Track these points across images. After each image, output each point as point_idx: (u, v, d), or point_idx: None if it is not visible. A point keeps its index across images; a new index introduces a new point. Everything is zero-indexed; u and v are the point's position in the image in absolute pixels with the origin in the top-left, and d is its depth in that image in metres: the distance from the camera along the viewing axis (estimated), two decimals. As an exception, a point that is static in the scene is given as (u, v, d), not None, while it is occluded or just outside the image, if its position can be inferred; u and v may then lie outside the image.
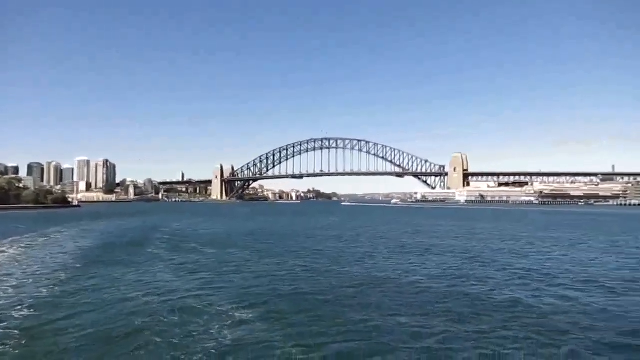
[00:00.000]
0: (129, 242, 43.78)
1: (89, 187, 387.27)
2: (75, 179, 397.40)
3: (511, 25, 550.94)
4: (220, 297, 19.36)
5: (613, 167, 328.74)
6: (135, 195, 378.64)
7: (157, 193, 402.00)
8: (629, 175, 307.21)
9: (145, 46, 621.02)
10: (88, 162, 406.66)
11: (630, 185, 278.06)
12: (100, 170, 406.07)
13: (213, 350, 12.60)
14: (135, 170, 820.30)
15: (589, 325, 14.95)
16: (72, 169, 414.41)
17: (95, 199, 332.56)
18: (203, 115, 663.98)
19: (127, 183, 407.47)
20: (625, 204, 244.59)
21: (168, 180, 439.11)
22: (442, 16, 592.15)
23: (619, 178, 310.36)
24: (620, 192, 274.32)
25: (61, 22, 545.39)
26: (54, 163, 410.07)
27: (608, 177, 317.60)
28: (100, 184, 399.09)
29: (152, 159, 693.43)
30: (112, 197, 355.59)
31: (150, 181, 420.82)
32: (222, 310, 16.97)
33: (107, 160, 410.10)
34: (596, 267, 27.79)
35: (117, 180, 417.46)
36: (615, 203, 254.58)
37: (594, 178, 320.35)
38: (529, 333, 14.09)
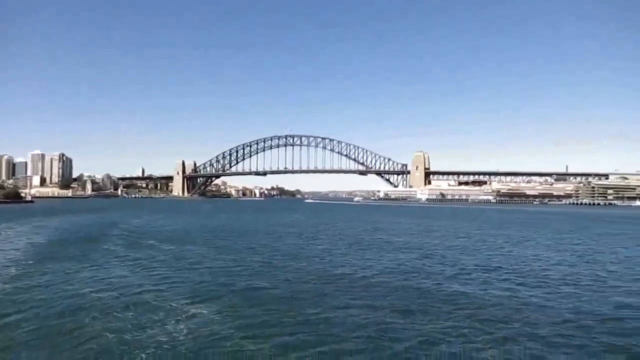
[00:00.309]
0: (84, 238, 42.86)
1: (43, 182, 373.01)
2: (29, 173, 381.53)
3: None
4: (175, 292, 19.53)
5: (566, 167, 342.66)
6: (92, 190, 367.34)
7: (116, 189, 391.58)
8: (580, 175, 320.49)
9: (103, 38, 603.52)
10: (43, 155, 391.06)
11: (581, 185, 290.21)
12: (56, 164, 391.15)
13: (166, 345, 12.78)
14: (93, 165, 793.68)
15: (524, 316, 15.96)
16: (26, 163, 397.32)
17: (50, 195, 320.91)
18: (164, 110, 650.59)
19: (84, 178, 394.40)
20: (577, 203, 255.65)
21: (127, 176, 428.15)
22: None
23: (571, 178, 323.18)
24: (573, 192, 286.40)
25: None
26: (5, 156, 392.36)
27: (561, 177, 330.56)
28: (55, 179, 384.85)
29: (111, 154, 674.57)
30: (68, 193, 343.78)
31: (108, 176, 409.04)
32: (177, 306, 17.16)
33: (63, 155, 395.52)
34: (539, 263, 29.27)
35: (74, 175, 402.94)
36: (567, 202, 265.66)
37: (548, 178, 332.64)
38: (471, 322, 15.02)
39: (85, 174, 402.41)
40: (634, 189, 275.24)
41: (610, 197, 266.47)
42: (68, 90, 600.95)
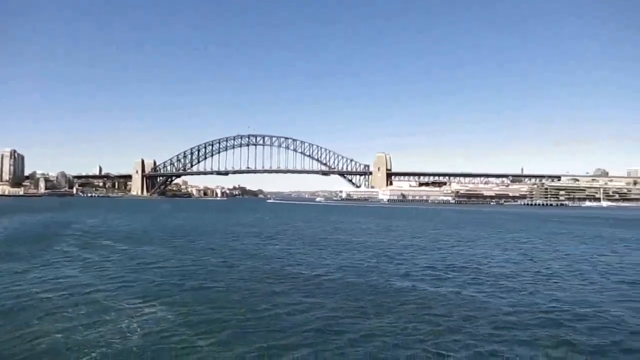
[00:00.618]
0: (35, 238, 41.59)
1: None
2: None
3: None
4: (128, 292, 19.52)
5: (522, 169, 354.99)
6: (46, 189, 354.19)
7: (71, 187, 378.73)
8: (535, 177, 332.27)
9: (61, 34, 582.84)
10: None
11: (535, 186, 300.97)
12: (7, 161, 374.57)
13: (117, 344, 12.86)
14: (47, 163, 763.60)
15: (465, 310, 16.90)
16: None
17: (0, 193, 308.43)
18: (123, 107, 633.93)
19: (38, 176, 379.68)
20: (531, 204, 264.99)
21: (84, 174, 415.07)
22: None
23: (527, 179, 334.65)
24: (527, 193, 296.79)
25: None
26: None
27: (517, 178, 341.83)
28: (6, 177, 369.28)
29: (66, 152, 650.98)
30: (20, 191, 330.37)
31: (63, 174, 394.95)
32: (130, 305, 17.20)
33: (14, 151, 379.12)
34: (487, 261, 30.58)
35: (26, 173, 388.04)
36: (522, 203, 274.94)
37: (505, 179, 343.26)
38: (414, 316, 15.81)
39: (39, 171, 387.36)
40: (584, 190, 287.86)
41: (562, 197, 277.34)
42: (19, 86, 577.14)
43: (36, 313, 15.90)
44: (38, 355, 12.11)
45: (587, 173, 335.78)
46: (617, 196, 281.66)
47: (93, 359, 11.77)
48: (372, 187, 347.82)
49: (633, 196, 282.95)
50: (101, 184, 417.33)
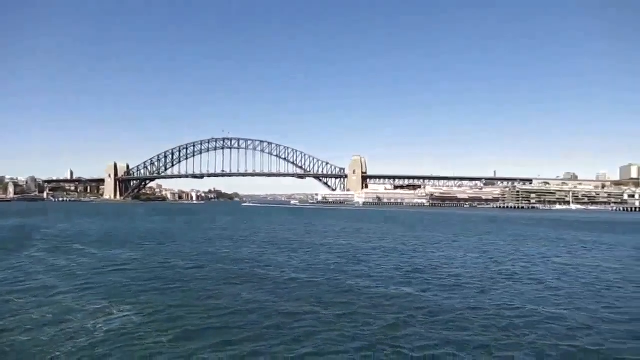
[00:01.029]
0: (1, 243, 41.29)
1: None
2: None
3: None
4: (97, 294, 19.84)
5: (494, 172, 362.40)
6: (16, 194, 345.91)
7: (42, 192, 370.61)
8: (507, 180, 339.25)
9: (30, 37, 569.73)
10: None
11: (507, 189, 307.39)
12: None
13: (84, 344, 13.27)
14: (16, 168, 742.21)
15: (419, 308, 17.96)
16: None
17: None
18: (93, 110, 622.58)
19: (7, 181, 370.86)
20: (503, 207, 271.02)
21: (54, 178, 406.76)
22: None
23: (499, 183, 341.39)
24: (500, 196, 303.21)
25: None
26: None
27: (490, 181, 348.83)
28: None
29: (35, 156, 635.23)
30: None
31: (33, 179, 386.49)
32: (97, 307, 17.57)
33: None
34: (450, 262, 31.79)
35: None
36: (495, 205, 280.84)
37: (478, 182, 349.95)
38: (366, 312, 16.71)
39: (7, 176, 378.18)
40: (554, 193, 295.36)
41: (533, 201, 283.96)
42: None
43: (2, 314, 16.22)
44: (2, 355, 12.45)
45: (558, 177, 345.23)
46: (586, 199, 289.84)
47: (58, 358, 12.14)
48: (348, 190, 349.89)
49: (601, 199, 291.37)
50: (73, 189, 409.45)
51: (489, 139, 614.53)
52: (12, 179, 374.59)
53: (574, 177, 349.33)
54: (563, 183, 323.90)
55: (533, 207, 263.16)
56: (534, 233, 62.10)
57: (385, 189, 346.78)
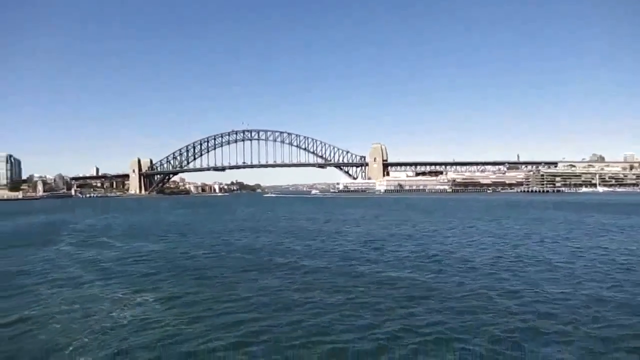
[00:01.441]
0: (33, 237, 43.07)
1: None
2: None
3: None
4: (122, 284, 20.90)
5: (518, 156, 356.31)
6: (45, 191, 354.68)
7: (69, 189, 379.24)
8: (531, 163, 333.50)
9: (55, 37, 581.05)
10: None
11: (531, 173, 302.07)
12: (3, 166, 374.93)
13: (110, 330, 14.17)
14: (44, 166, 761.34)
15: (438, 292, 18.51)
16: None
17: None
18: (116, 108, 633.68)
19: (35, 179, 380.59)
20: (527, 191, 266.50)
21: (81, 175, 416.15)
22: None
23: (523, 166, 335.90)
24: (523, 180, 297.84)
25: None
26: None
27: (514, 165, 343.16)
28: (3, 181, 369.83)
29: (62, 154, 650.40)
30: (19, 195, 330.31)
31: (61, 176, 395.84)
32: (123, 296, 18.60)
33: (10, 156, 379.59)
34: (470, 248, 32.11)
35: (24, 176, 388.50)
36: (519, 190, 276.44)
37: (501, 167, 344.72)
38: (387, 298, 17.32)
39: (36, 174, 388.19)
40: (580, 176, 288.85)
41: (558, 184, 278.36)
42: (13, 90, 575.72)
43: (34, 304, 17.41)
44: (36, 341, 13.41)
45: (584, 159, 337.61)
46: (613, 181, 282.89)
47: (86, 344, 12.97)
48: (369, 178, 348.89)
49: (629, 181, 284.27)
50: (99, 185, 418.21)
51: (512, 123, 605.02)
52: (40, 177, 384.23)
53: (601, 159, 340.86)
54: (589, 165, 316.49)
55: (558, 191, 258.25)
56: (554, 217, 61.57)
57: (407, 176, 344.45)
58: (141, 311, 16.26)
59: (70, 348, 12.68)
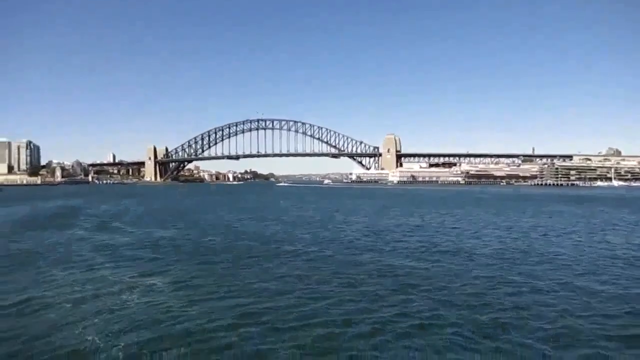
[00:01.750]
0: (51, 221, 44.48)
1: (10, 169, 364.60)
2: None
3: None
4: (132, 268, 21.77)
5: (533, 149, 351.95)
6: (63, 177, 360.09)
7: (87, 175, 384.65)
8: (546, 156, 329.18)
9: (74, 25, 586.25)
10: (9, 143, 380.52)
11: (546, 166, 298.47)
12: (23, 152, 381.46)
13: (118, 311, 14.88)
14: (62, 152, 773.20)
15: (442, 283, 18.98)
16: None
17: (19, 182, 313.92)
18: (133, 94, 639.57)
19: (54, 165, 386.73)
20: (541, 184, 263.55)
21: (98, 162, 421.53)
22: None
23: (538, 159, 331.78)
24: (538, 173, 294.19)
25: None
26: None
27: (528, 158, 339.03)
28: (23, 167, 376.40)
29: (79, 141, 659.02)
30: (38, 180, 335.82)
31: (78, 163, 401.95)
32: (132, 279, 19.37)
33: (30, 142, 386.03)
34: (475, 240, 32.56)
35: (42, 162, 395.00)
36: (532, 183, 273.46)
37: (515, 159, 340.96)
38: (387, 287, 17.90)
39: (54, 160, 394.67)
40: (595, 170, 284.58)
41: (573, 177, 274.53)
42: (33, 76, 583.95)
43: (47, 284, 18.39)
44: (48, 319, 14.20)
45: (600, 153, 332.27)
46: (629, 176, 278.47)
47: (98, 327, 13.54)
48: (382, 169, 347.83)
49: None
50: (115, 171, 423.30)
51: (527, 116, 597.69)
52: (58, 163, 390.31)
53: (617, 153, 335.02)
54: (605, 159, 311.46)
55: (573, 184, 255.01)
56: (563, 210, 61.51)
57: (420, 167, 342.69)
58: (148, 293, 17.02)
59: (80, 326, 13.42)
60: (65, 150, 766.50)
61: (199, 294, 16.84)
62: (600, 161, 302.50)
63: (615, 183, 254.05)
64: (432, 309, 14.82)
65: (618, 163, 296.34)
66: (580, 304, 15.35)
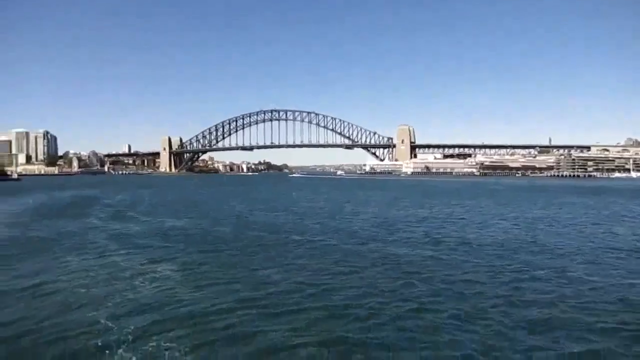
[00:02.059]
0: (68, 210, 45.72)
1: (29, 159, 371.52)
2: (13, 151, 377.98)
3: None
4: (145, 256, 22.49)
5: (550, 139, 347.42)
6: (79, 167, 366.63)
7: (103, 165, 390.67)
8: (563, 147, 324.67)
9: (90, 18, 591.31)
10: (27, 134, 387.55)
11: (562, 157, 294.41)
12: (41, 142, 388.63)
13: (130, 296, 15.52)
14: (79, 142, 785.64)
15: (443, 272, 19.35)
16: (10, 141, 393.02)
17: (37, 172, 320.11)
18: (149, 85, 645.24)
19: (70, 155, 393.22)
20: (558, 175, 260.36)
21: (114, 152, 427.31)
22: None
23: (554, 150, 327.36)
24: (554, 164, 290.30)
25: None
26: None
27: (544, 149, 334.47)
28: (40, 157, 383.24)
29: (96, 131, 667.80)
30: (55, 170, 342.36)
31: (94, 153, 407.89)
32: (144, 267, 20.08)
33: (47, 132, 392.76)
34: (483, 230, 32.87)
35: (59, 153, 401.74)
36: (549, 174, 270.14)
37: (531, 150, 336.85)
38: (392, 275, 18.44)
39: (71, 151, 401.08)
40: (613, 160, 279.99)
41: (590, 169, 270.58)
42: (50, 67, 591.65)
43: (62, 269, 19.26)
44: (62, 302, 14.91)
45: (618, 143, 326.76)
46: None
47: (109, 310, 14.15)
48: (396, 160, 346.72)
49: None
50: (131, 162, 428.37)
51: (544, 106, 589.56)
52: (75, 153, 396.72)
53: (637, 143, 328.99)
54: (624, 150, 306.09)
55: (590, 176, 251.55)
56: (571, 201, 61.21)
57: (435, 158, 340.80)
58: (158, 279, 17.71)
59: (92, 308, 14.12)
60: (81, 140, 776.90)
61: (205, 280, 17.49)
62: (618, 152, 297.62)
63: (633, 174, 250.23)
64: (428, 295, 15.29)
65: (637, 154, 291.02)
66: (573, 293, 15.63)
